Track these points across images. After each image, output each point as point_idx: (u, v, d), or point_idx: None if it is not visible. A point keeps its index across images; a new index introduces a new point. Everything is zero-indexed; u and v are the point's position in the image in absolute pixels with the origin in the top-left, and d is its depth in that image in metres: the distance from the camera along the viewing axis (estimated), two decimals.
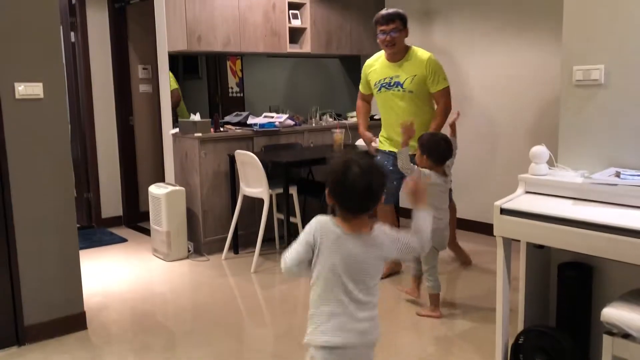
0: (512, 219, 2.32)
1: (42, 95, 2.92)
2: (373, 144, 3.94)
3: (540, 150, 2.48)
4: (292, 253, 1.80)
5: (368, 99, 4.04)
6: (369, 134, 3.98)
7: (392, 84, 3.70)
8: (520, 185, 2.48)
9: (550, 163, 2.53)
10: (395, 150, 3.63)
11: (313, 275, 1.81)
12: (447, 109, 3.71)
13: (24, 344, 2.95)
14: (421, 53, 3.72)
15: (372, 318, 1.79)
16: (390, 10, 3.69)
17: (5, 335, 2.91)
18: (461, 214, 5.19)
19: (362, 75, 3.96)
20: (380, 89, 3.77)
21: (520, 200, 2.40)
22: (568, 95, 2.55)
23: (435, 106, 3.76)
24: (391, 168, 3.62)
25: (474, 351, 2.83)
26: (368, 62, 3.91)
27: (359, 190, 1.72)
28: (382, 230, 1.80)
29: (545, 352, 2.34)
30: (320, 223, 1.79)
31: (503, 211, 2.36)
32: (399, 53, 3.70)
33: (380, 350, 2.06)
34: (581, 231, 2.10)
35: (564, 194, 2.36)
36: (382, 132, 3.91)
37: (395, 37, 3.62)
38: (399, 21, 3.62)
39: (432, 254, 3.21)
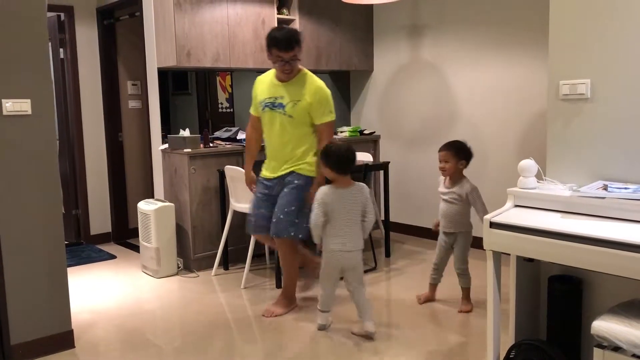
0: (502, 233, 2.33)
1: (30, 112, 2.90)
2: (254, 188, 3.68)
3: (529, 164, 2.49)
4: (315, 217, 3.08)
5: (258, 124, 3.61)
6: (252, 177, 3.70)
7: (276, 104, 3.42)
8: (510, 199, 2.50)
9: (539, 176, 2.55)
10: (272, 176, 3.50)
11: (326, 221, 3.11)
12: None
13: None
14: (312, 80, 3.43)
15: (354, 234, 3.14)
16: (289, 33, 3.32)
17: None
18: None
19: (253, 93, 3.61)
20: (264, 108, 3.47)
21: (509, 214, 2.41)
22: (555, 110, 2.58)
23: (317, 139, 3.45)
24: (260, 195, 3.54)
25: None
26: (258, 78, 3.60)
27: (346, 157, 3.10)
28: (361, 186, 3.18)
29: None
30: (324, 192, 3.09)
31: (492, 225, 2.37)
32: (291, 74, 3.41)
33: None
34: (570, 244, 2.11)
35: (552, 207, 2.38)
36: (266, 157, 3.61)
37: (294, 65, 3.36)
38: (297, 47, 3.32)
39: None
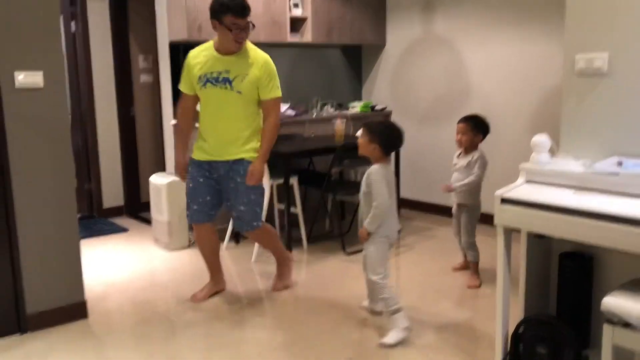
0: (513, 209, 2.31)
1: (42, 84, 2.91)
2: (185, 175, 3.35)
3: (542, 139, 2.46)
4: (385, 200, 2.79)
5: (192, 104, 3.31)
6: (184, 164, 3.33)
7: (220, 79, 3.11)
8: (521, 175, 2.47)
9: (552, 152, 2.52)
10: (214, 159, 3.19)
11: None
12: (277, 123, 3.22)
13: (25, 332, 2.95)
14: (257, 52, 3.19)
15: None
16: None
17: (7, 323, 2.92)
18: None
19: (185, 69, 3.24)
20: (205, 84, 3.14)
21: (521, 190, 2.39)
22: (570, 84, 2.53)
23: (262, 116, 3.23)
24: (201, 180, 3.23)
25: (471, 342, 2.83)
26: (192, 52, 3.25)
27: (400, 138, 2.92)
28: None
29: (546, 341, 2.34)
30: (382, 172, 2.83)
31: (504, 201, 2.35)
32: (242, 43, 3.14)
33: None
34: (582, 220, 2.10)
35: (565, 183, 2.35)
36: (198, 138, 3.28)
37: (248, 33, 3.12)
38: (249, 13, 3.11)
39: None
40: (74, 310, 3.11)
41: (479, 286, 3.56)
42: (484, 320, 3.06)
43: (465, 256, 3.76)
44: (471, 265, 3.64)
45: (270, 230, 3.50)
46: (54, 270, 3.04)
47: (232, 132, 3.17)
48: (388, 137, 2.88)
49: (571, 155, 2.51)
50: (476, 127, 3.59)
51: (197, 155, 3.26)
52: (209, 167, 3.24)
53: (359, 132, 2.93)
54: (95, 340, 2.92)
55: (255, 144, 3.21)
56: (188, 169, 3.31)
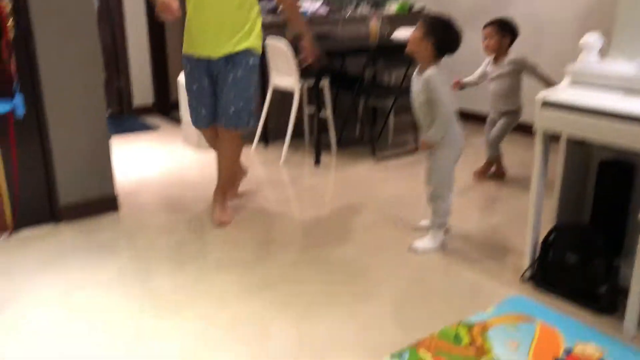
0: (555, 113, 2.20)
1: None
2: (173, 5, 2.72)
3: (592, 38, 2.29)
4: (448, 102, 2.57)
5: None
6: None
7: None
8: (567, 77, 2.32)
9: (602, 55, 2.35)
10: (216, 55, 2.85)
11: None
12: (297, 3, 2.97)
13: (58, 223, 3.04)
14: None
15: None
16: None
17: (41, 213, 3.00)
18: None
19: None
20: None
21: (565, 93, 2.25)
22: None
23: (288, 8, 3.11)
24: (206, 79, 2.93)
25: (499, 249, 2.81)
26: None
27: (459, 40, 2.60)
28: None
29: (577, 249, 2.30)
30: (437, 75, 2.57)
31: (546, 104, 2.23)
32: None
33: None
34: (629, 126, 1.98)
35: (614, 85, 2.19)
36: (191, 30, 2.92)
37: None
38: None
39: None
40: (105, 203, 3.17)
41: (503, 175, 3.67)
42: (513, 229, 3.02)
43: (488, 161, 3.74)
44: (493, 161, 3.70)
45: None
46: (85, 163, 3.07)
47: (237, 20, 2.86)
48: (445, 36, 2.57)
49: (623, 56, 2.33)
50: (502, 29, 3.47)
51: (195, 50, 2.91)
52: (211, 65, 2.92)
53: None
54: (126, 230, 2.99)
55: (257, 29, 2.94)
56: (187, 67, 2.99)
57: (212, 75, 2.95)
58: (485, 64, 3.65)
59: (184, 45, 2.98)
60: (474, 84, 3.74)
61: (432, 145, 2.68)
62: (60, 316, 2.20)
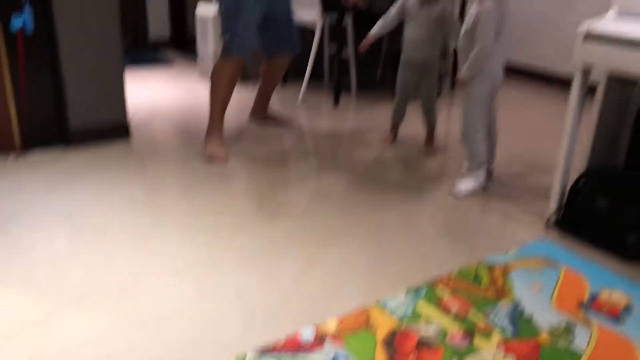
0: (598, 47, 2.04)
1: None
2: None
3: None
4: (487, 39, 2.41)
5: None
6: None
7: None
8: (614, 7, 2.15)
9: None
10: None
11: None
12: None
13: (69, 146, 2.95)
14: None
15: None
16: None
17: (51, 135, 2.91)
18: (528, 60, 4.83)
19: None
20: None
21: (610, 25, 2.08)
22: None
23: None
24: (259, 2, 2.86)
25: (527, 193, 2.69)
26: None
27: None
28: None
29: (607, 194, 2.17)
30: (491, 12, 2.38)
31: (588, 36, 2.07)
32: None
33: None
34: None
35: None
36: None
37: None
38: None
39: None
40: (117, 130, 3.08)
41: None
42: (541, 175, 2.89)
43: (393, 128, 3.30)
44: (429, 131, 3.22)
45: None
46: (97, 88, 2.96)
47: None
48: None
49: None
50: None
51: None
52: None
53: None
54: (136, 158, 2.90)
55: None
56: None
57: (263, 5, 2.91)
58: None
59: None
60: (386, 28, 3.20)
61: (465, 80, 2.53)
62: (64, 236, 2.13)
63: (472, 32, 2.46)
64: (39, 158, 2.83)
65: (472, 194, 2.63)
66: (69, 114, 2.91)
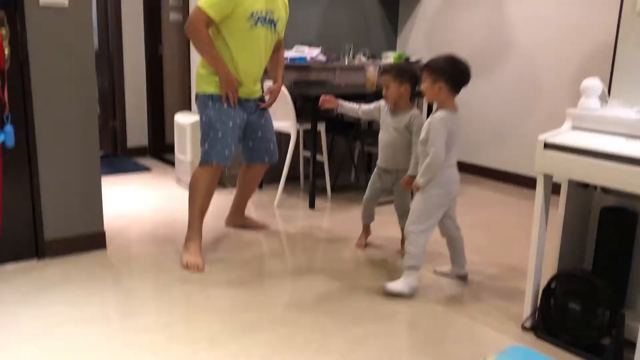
0: (557, 154, 2.16)
1: (66, 4, 2.79)
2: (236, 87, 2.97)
3: (593, 83, 2.28)
4: (439, 148, 2.52)
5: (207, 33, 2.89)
6: (234, 77, 2.96)
7: (267, 19, 2.97)
8: (568, 120, 2.30)
9: (602, 100, 2.34)
10: (251, 98, 3.10)
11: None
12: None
13: (43, 258, 2.92)
14: None
15: None
16: None
17: (25, 247, 2.89)
18: (493, 164, 5.03)
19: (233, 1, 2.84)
20: (256, 23, 2.92)
21: (566, 136, 2.22)
22: (629, 25, 2.32)
23: (277, 57, 3.28)
24: (240, 120, 3.03)
25: (500, 296, 2.72)
26: None
27: (469, 74, 2.59)
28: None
29: (580, 298, 2.21)
30: (449, 118, 2.55)
31: (547, 146, 2.20)
32: None
33: None
34: (633, 168, 1.94)
35: (615, 131, 2.18)
36: (237, 68, 2.97)
37: None
38: None
39: None
40: (92, 239, 3.07)
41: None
42: (514, 277, 2.93)
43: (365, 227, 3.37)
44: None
45: None
46: (74, 198, 2.99)
47: (260, 71, 3.13)
48: (454, 72, 2.55)
49: (623, 102, 2.32)
50: (399, 77, 2.96)
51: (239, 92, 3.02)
52: (245, 104, 3.10)
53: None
54: (112, 269, 2.87)
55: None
56: (223, 106, 2.98)
57: (245, 115, 3.10)
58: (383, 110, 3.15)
59: (214, 85, 2.97)
60: (354, 113, 3.26)
61: (419, 187, 2.62)
62: (38, 356, 2.06)
63: (426, 141, 2.59)
64: (12, 269, 2.79)
65: (403, 295, 2.63)
66: (44, 224, 2.91)
